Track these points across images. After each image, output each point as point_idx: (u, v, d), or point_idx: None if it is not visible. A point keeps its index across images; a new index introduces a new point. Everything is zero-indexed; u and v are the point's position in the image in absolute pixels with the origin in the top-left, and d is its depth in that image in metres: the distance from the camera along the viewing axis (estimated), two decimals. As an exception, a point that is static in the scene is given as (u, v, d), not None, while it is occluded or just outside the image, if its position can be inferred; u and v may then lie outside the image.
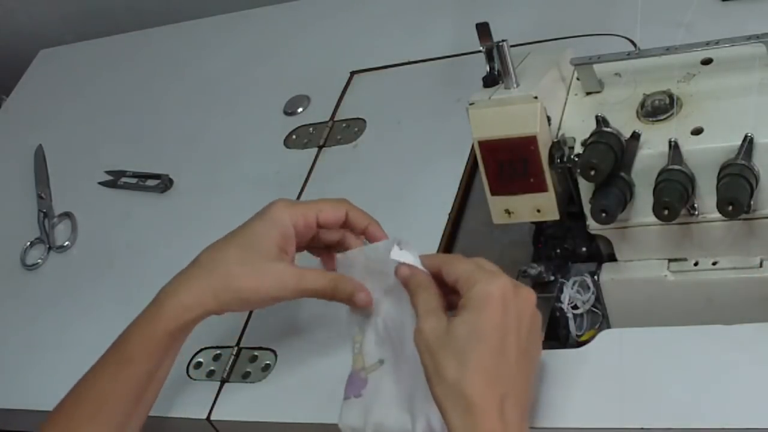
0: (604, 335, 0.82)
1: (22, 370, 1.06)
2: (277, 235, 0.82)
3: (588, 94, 0.88)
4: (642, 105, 0.85)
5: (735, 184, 0.77)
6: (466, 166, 1.02)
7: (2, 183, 1.34)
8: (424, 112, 1.11)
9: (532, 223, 0.95)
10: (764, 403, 0.71)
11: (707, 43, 0.82)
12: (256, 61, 1.31)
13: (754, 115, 0.79)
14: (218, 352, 0.97)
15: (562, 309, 0.91)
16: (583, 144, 0.83)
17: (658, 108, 0.84)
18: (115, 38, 1.50)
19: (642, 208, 0.83)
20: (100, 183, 1.25)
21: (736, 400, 0.72)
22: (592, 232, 0.88)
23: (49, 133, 1.37)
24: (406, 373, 0.77)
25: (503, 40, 0.84)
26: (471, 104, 0.85)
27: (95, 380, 0.83)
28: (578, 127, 0.85)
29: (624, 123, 0.83)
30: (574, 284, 0.91)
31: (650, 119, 0.83)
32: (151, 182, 1.21)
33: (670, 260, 0.87)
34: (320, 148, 1.14)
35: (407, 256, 0.78)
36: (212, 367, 0.96)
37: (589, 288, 0.91)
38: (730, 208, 0.77)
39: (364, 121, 1.15)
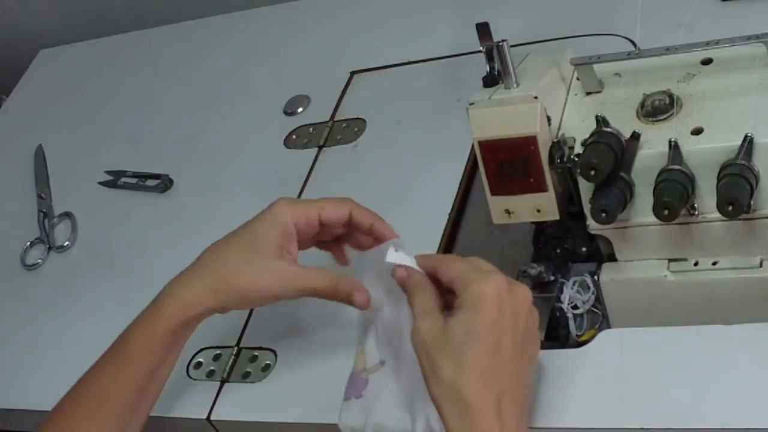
0: (604, 335, 0.82)
1: (22, 370, 1.06)
2: (278, 233, 0.82)
3: (588, 94, 0.88)
4: (642, 105, 0.85)
5: (735, 184, 0.77)
6: (466, 166, 1.02)
7: (2, 183, 1.34)
8: (424, 112, 1.11)
9: (532, 223, 0.95)
10: (764, 403, 0.71)
11: (707, 43, 0.82)
12: (256, 61, 1.31)
13: (754, 115, 0.79)
14: (218, 352, 0.97)
15: (562, 309, 0.91)
16: (583, 144, 0.83)
17: (658, 108, 0.84)
18: (115, 38, 1.50)
19: (642, 208, 0.83)
20: (100, 183, 1.25)
21: (736, 400, 0.72)
22: (592, 232, 0.88)
23: (49, 133, 1.37)
24: (406, 373, 0.77)
25: (503, 40, 0.84)
26: (471, 104, 0.85)
27: (95, 379, 0.83)
28: (578, 127, 0.85)
29: (624, 123, 0.83)
30: (574, 284, 0.91)
31: (650, 119, 0.83)
32: (151, 182, 1.21)
33: (670, 260, 0.87)
34: (320, 148, 1.14)
35: (403, 258, 0.78)
36: (212, 367, 0.96)
37: (589, 288, 0.91)
38: (730, 208, 0.77)
39: (364, 121, 1.15)
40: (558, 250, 0.93)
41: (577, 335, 0.92)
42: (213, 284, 0.81)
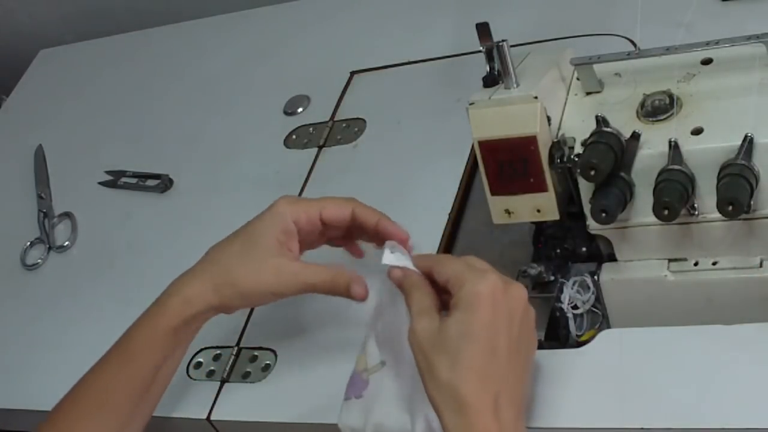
0: (604, 335, 0.82)
1: (22, 370, 1.06)
2: (278, 231, 0.83)
3: (588, 94, 0.88)
4: (642, 105, 0.84)
5: (735, 184, 0.77)
6: (466, 166, 1.02)
7: (2, 183, 1.34)
8: (424, 112, 1.11)
9: (532, 223, 0.95)
10: (764, 403, 0.71)
11: (707, 43, 0.82)
12: (256, 61, 1.31)
13: (754, 115, 0.79)
14: (218, 352, 0.97)
15: (562, 309, 0.91)
16: (583, 144, 0.83)
17: (658, 108, 0.84)
18: (115, 38, 1.50)
19: (642, 208, 0.83)
20: (100, 183, 1.25)
21: (736, 400, 0.72)
22: (592, 232, 0.88)
23: (49, 133, 1.37)
24: (406, 374, 0.77)
25: (503, 40, 0.84)
26: (471, 104, 0.85)
27: (96, 379, 0.83)
28: (578, 127, 0.85)
29: (624, 123, 0.83)
30: (574, 284, 0.91)
31: (650, 119, 0.83)
32: (151, 182, 1.21)
33: (670, 260, 0.87)
34: (320, 148, 1.14)
35: (400, 259, 0.78)
36: (212, 367, 0.96)
37: (589, 288, 0.91)
38: (730, 208, 0.77)
39: (364, 121, 1.15)
40: (558, 250, 0.93)
41: (577, 335, 0.92)
42: (214, 281, 0.82)
